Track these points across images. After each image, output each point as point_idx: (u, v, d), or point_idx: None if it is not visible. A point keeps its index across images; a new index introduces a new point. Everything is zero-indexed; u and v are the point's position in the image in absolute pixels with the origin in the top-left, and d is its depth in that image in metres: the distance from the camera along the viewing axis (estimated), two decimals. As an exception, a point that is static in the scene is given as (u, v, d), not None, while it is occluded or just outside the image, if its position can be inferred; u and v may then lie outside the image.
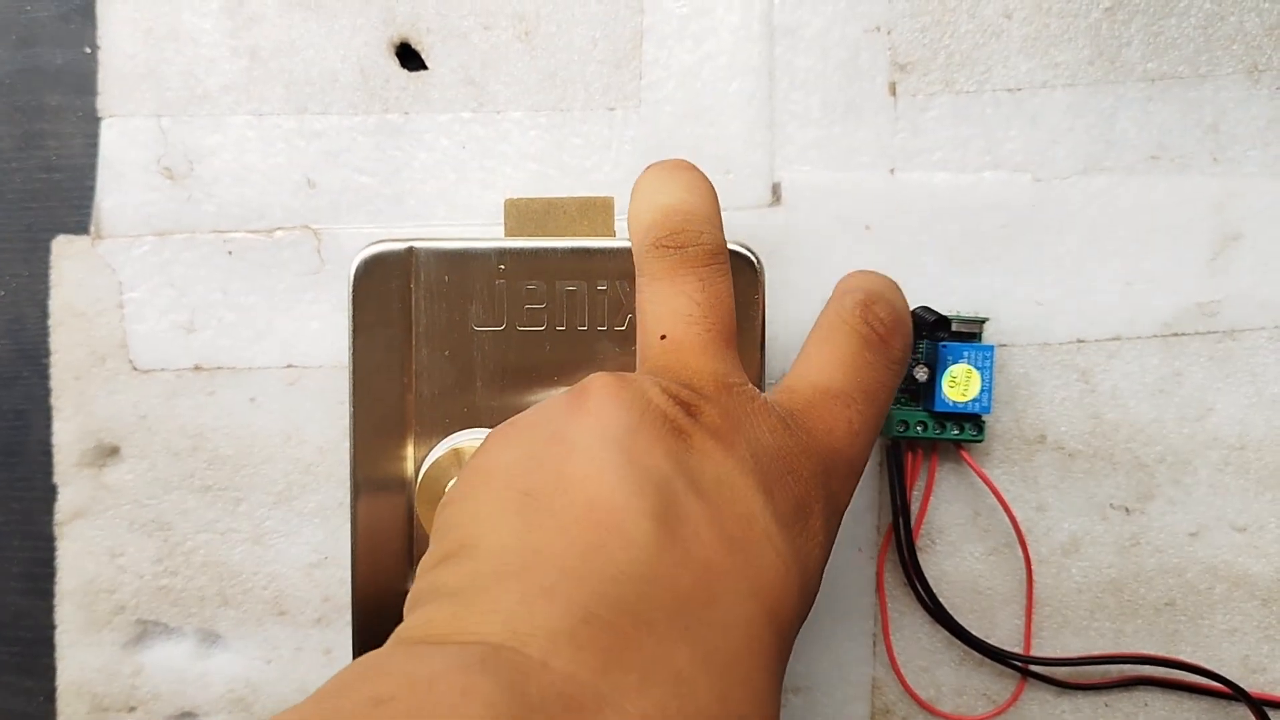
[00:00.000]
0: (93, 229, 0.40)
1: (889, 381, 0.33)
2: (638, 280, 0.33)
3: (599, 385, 0.30)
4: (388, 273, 0.35)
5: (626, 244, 0.35)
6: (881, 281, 0.34)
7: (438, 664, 0.24)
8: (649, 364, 0.32)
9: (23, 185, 0.40)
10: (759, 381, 0.36)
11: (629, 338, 0.35)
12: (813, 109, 0.39)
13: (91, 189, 0.40)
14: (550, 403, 0.31)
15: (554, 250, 0.35)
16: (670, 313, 0.32)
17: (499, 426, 0.31)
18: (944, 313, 0.38)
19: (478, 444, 0.35)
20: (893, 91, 0.40)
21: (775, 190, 0.40)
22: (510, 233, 0.36)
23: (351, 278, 0.35)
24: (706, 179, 0.34)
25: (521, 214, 0.36)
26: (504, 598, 0.26)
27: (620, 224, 0.37)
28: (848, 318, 0.33)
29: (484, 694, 0.23)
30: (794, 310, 0.39)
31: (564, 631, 0.25)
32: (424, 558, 0.29)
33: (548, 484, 0.28)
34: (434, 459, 0.35)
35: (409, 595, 0.29)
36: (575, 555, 0.27)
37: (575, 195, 0.37)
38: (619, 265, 0.35)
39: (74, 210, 0.40)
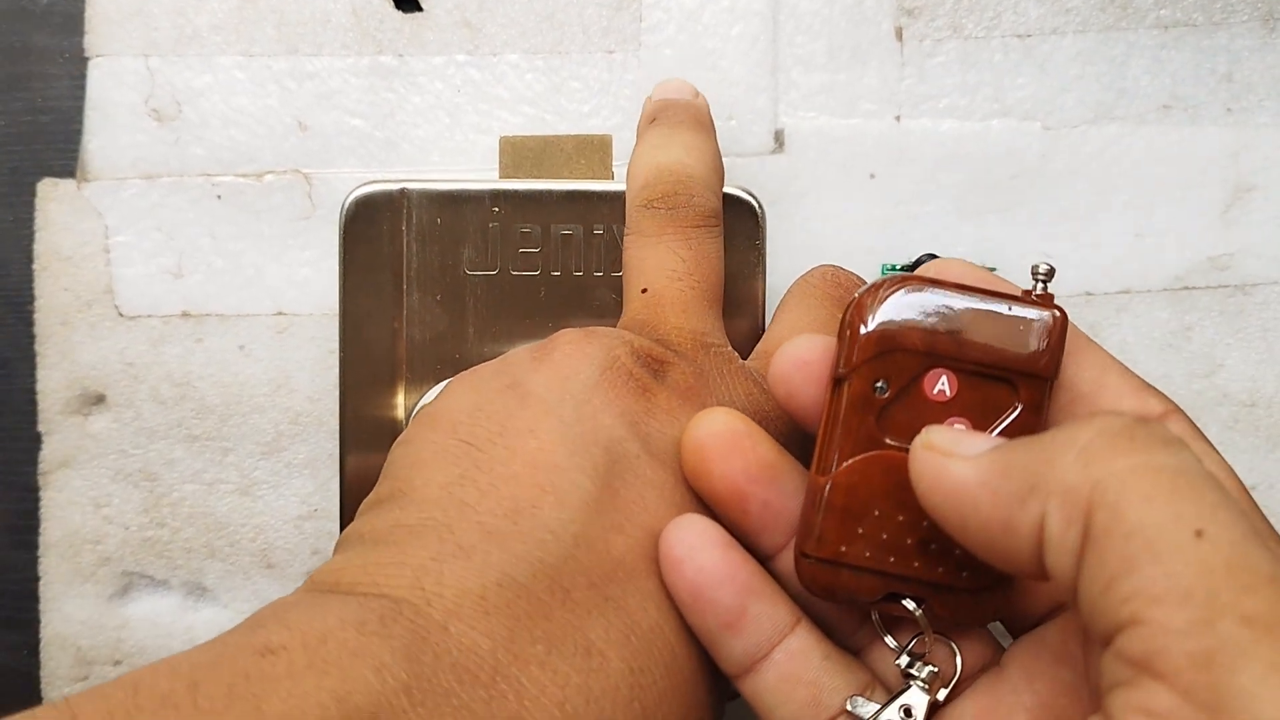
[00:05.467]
0: (79, 172, 0.39)
1: None
2: (626, 236, 0.33)
3: (565, 339, 0.29)
4: (378, 214, 0.34)
5: (623, 187, 0.34)
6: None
7: (333, 619, 0.23)
8: (628, 317, 0.31)
9: (7, 128, 0.39)
10: (760, 329, 0.35)
11: (625, 283, 0.35)
12: (817, 54, 0.39)
13: (78, 131, 0.39)
14: (515, 353, 0.30)
15: (549, 192, 0.35)
16: (655, 267, 0.31)
17: (462, 373, 0.30)
18: (949, 263, 0.38)
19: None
20: (899, 36, 0.39)
21: (778, 137, 0.39)
22: (505, 171, 0.35)
23: (341, 219, 0.35)
24: (711, 138, 0.34)
25: (516, 151, 0.35)
26: (419, 553, 0.25)
27: (619, 169, 0.36)
28: (816, 282, 0.33)
29: (374, 656, 0.23)
30: (796, 259, 0.38)
31: (472, 593, 0.25)
32: (365, 499, 0.28)
33: (491, 435, 0.27)
34: (424, 403, 0.34)
35: (340, 535, 0.28)
36: (503, 514, 0.26)
37: (572, 133, 0.36)
38: (615, 209, 0.34)
39: (59, 153, 0.39)
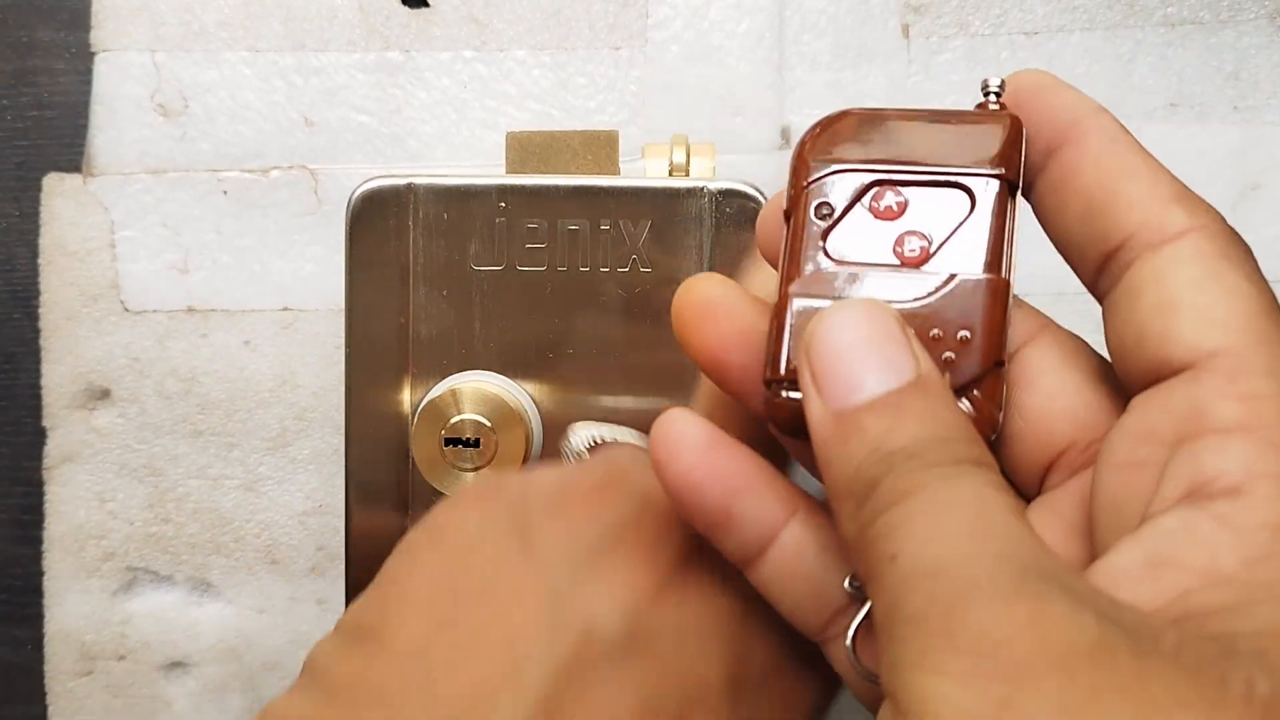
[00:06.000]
0: (85, 167, 0.39)
1: None
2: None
3: (590, 483, 0.28)
4: (385, 209, 0.34)
5: (630, 183, 0.34)
6: None
7: None
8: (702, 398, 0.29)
9: (13, 122, 0.39)
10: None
11: (632, 279, 0.35)
12: (824, 51, 0.39)
13: (84, 126, 0.39)
14: (542, 480, 0.28)
15: (556, 188, 0.34)
16: None
17: (488, 481, 0.29)
18: (956, 260, 0.38)
19: (475, 386, 0.34)
20: (906, 34, 0.39)
21: (785, 133, 0.39)
22: (512, 167, 0.35)
23: (348, 214, 0.34)
24: None
25: (523, 147, 0.35)
26: None
27: (625, 165, 0.36)
28: None
29: None
30: (802, 254, 0.38)
31: None
32: (353, 604, 0.27)
33: (479, 588, 0.26)
34: (431, 398, 0.34)
35: (319, 642, 0.27)
36: (462, 700, 0.25)
37: (579, 129, 0.36)
38: (622, 205, 0.34)
39: (66, 148, 0.39)
